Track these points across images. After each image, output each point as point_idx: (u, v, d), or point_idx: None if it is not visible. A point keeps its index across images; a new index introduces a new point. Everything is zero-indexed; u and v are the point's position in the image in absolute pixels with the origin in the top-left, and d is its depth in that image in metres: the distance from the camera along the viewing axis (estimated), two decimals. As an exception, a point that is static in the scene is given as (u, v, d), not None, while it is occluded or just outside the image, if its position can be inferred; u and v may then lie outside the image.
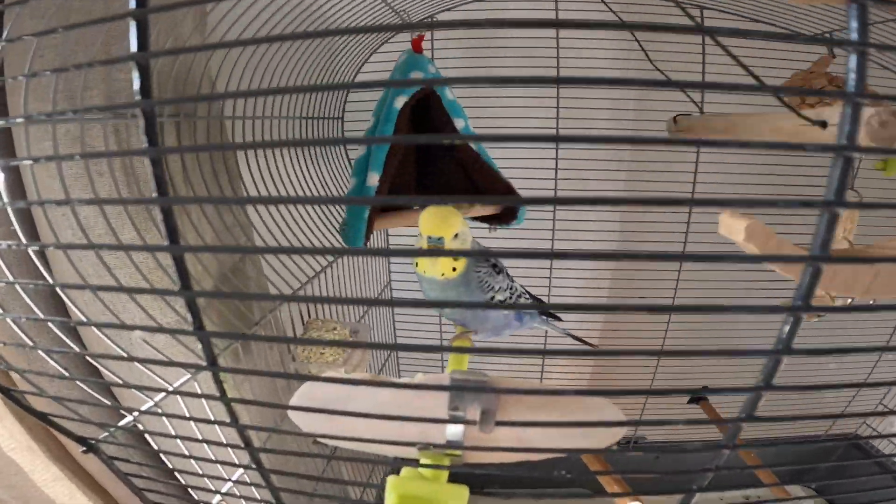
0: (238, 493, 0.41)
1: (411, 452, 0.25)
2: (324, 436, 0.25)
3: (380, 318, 1.07)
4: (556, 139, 0.19)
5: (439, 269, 0.51)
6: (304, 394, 0.25)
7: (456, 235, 0.50)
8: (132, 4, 0.18)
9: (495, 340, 0.63)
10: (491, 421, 0.22)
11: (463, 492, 0.23)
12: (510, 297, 0.59)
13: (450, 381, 0.22)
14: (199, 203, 0.50)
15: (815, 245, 0.18)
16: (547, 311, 0.67)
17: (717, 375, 1.14)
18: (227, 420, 0.25)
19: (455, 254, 0.19)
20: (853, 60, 0.17)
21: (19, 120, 0.37)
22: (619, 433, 0.24)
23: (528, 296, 0.66)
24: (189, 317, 0.21)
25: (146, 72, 0.19)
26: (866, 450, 1.18)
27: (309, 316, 0.65)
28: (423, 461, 0.26)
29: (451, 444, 0.23)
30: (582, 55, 0.89)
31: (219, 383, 0.23)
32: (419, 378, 0.24)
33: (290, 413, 0.25)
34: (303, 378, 0.24)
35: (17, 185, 0.50)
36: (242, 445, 0.26)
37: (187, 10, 0.55)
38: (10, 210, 0.39)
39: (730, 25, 0.84)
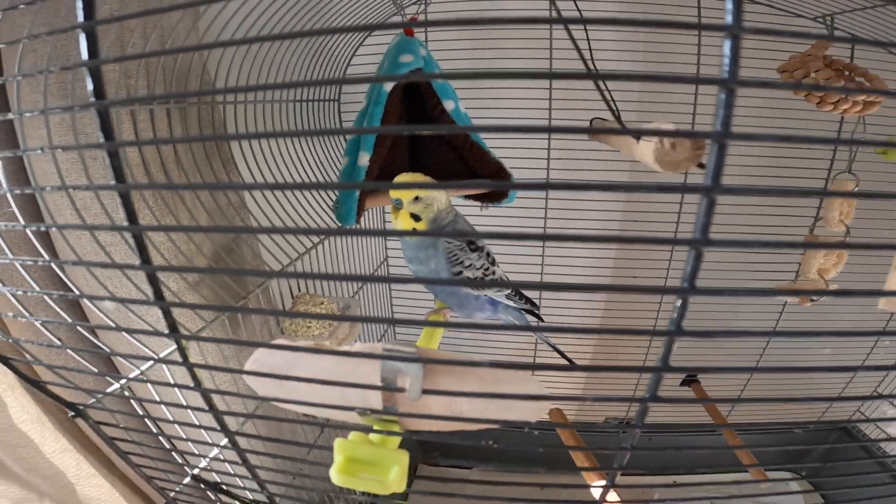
0: (223, 458, 0.45)
1: (353, 417, 0.28)
2: (275, 399, 0.27)
3: (377, 293, 1.10)
4: (549, 129, 0.20)
5: (401, 225, 0.59)
6: (257, 360, 0.27)
7: (417, 199, 0.58)
8: (80, 17, 0.21)
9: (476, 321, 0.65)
10: (417, 389, 0.24)
11: (403, 457, 0.26)
12: (482, 278, 0.61)
13: (382, 351, 0.24)
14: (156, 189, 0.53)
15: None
16: (530, 309, 0.69)
17: (713, 357, 1.15)
18: (200, 385, 0.28)
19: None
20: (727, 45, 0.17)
21: (10, 115, 0.40)
22: (544, 407, 0.26)
23: (518, 296, 0.67)
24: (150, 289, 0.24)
25: (98, 76, 0.22)
26: (854, 434, 1.18)
27: (299, 290, 0.68)
28: (375, 427, 0.28)
29: (386, 411, 0.26)
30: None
31: (181, 350, 0.26)
32: (357, 347, 0.26)
33: (246, 378, 0.27)
34: (264, 346, 0.27)
35: (20, 171, 0.53)
36: (206, 408, 0.29)
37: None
38: (9, 195, 0.42)
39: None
